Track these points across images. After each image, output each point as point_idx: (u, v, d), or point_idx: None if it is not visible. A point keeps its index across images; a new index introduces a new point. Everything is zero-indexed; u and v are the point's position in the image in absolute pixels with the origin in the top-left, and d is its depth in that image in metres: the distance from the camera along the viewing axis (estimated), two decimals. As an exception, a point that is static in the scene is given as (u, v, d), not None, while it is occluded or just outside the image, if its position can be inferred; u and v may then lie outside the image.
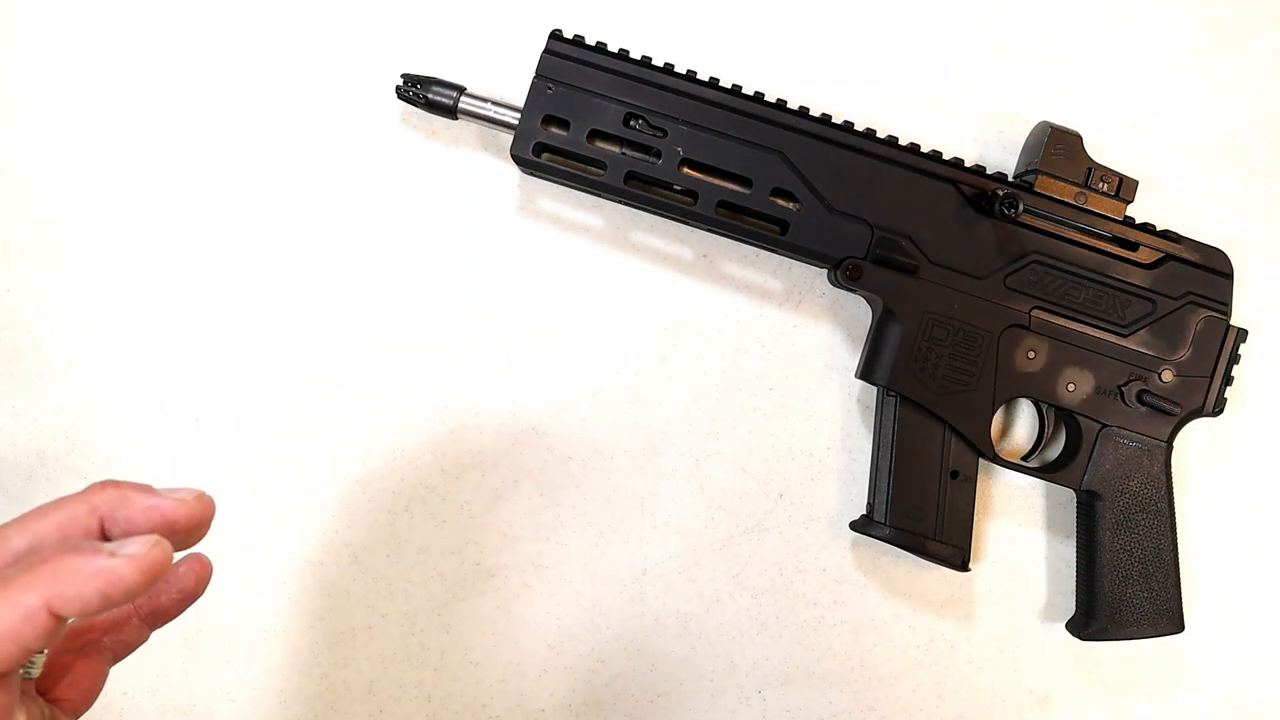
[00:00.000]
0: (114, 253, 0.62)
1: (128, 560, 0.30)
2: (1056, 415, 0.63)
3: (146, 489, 0.34)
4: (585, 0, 0.63)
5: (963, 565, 0.60)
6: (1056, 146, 0.60)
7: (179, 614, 0.40)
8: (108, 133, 0.62)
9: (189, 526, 0.34)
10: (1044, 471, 0.62)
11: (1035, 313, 0.60)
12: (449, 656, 0.63)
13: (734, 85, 0.59)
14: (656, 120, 0.58)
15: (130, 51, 0.63)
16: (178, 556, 0.36)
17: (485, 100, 0.58)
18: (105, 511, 0.33)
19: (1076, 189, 0.60)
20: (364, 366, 0.63)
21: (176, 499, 0.34)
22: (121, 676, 0.62)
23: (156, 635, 0.62)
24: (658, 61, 0.59)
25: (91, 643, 0.39)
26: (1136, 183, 0.60)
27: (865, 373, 0.61)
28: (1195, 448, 0.66)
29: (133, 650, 0.40)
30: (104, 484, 0.34)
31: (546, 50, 0.58)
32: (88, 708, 0.38)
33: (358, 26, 0.63)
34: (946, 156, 0.60)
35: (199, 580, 0.39)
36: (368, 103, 0.63)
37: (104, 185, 0.62)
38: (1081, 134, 0.60)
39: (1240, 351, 0.61)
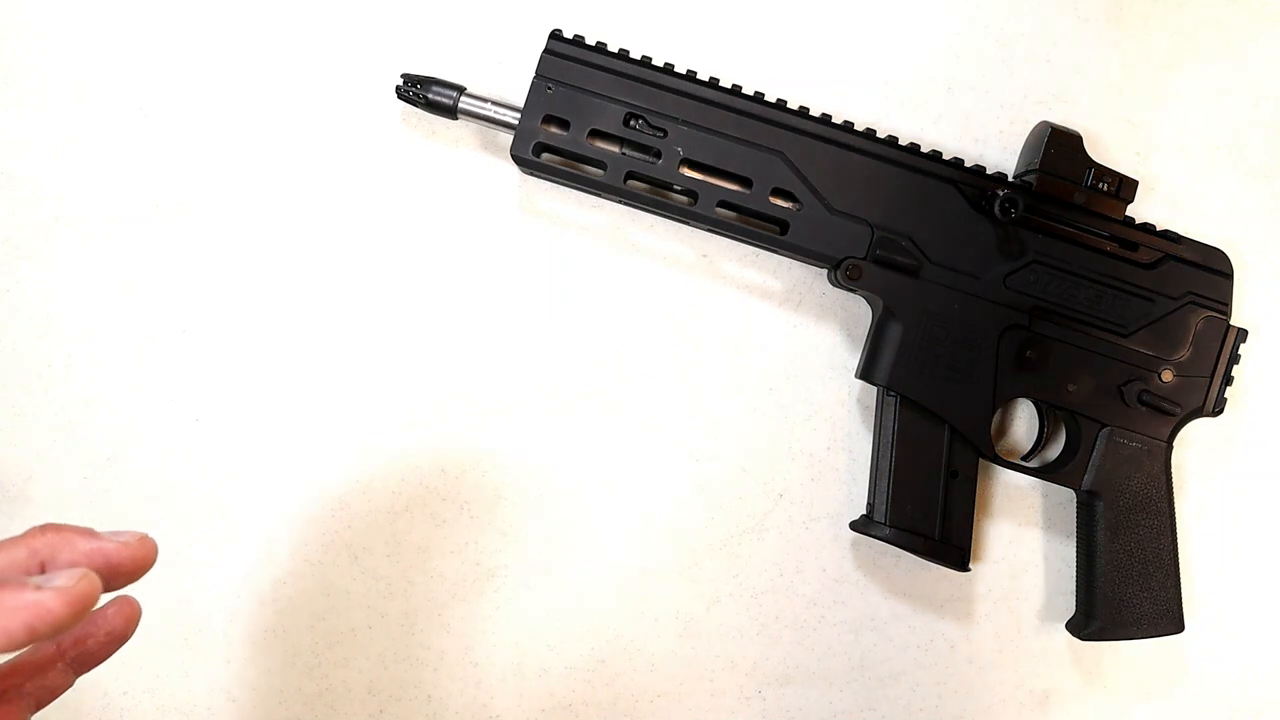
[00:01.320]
0: (114, 253, 0.62)
1: (55, 593, 0.29)
2: (1056, 415, 0.63)
3: (88, 532, 0.34)
4: (585, 0, 0.63)
5: (963, 565, 0.60)
6: (1056, 146, 0.60)
7: (106, 657, 0.39)
8: (108, 133, 0.62)
9: (131, 569, 0.34)
10: (1044, 471, 0.62)
11: (1035, 313, 0.60)
12: (449, 656, 0.63)
13: (734, 85, 0.59)
14: (656, 120, 0.58)
15: (130, 52, 0.63)
16: (111, 596, 0.35)
17: (485, 100, 0.58)
18: (46, 555, 0.33)
19: (1076, 189, 0.60)
20: (363, 366, 0.63)
21: (120, 541, 0.34)
22: (121, 676, 0.62)
23: (156, 635, 0.62)
24: (658, 61, 0.59)
25: (14, 688, 0.37)
26: (1136, 183, 0.60)
27: (865, 373, 0.61)
28: (1195, 448, 0.66)
29: (57, 696, 0.39)
30: (45, 527, 0.33)
31: (546, 50, 0.58)
32: None
33: (358, 26, 0.63)
34: (946, 156, 0.60)
35: (128, 622, 0.39)
36: (368, 103, 0.63)
37: (104, 185, 0.62)
38: (1081, 134, 0.60)
39: (1240, 351, 0.61)
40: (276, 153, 0.63)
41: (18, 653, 0.36)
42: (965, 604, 0.65)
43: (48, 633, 0.29)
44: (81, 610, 0.30)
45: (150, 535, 0.35)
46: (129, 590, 0.36)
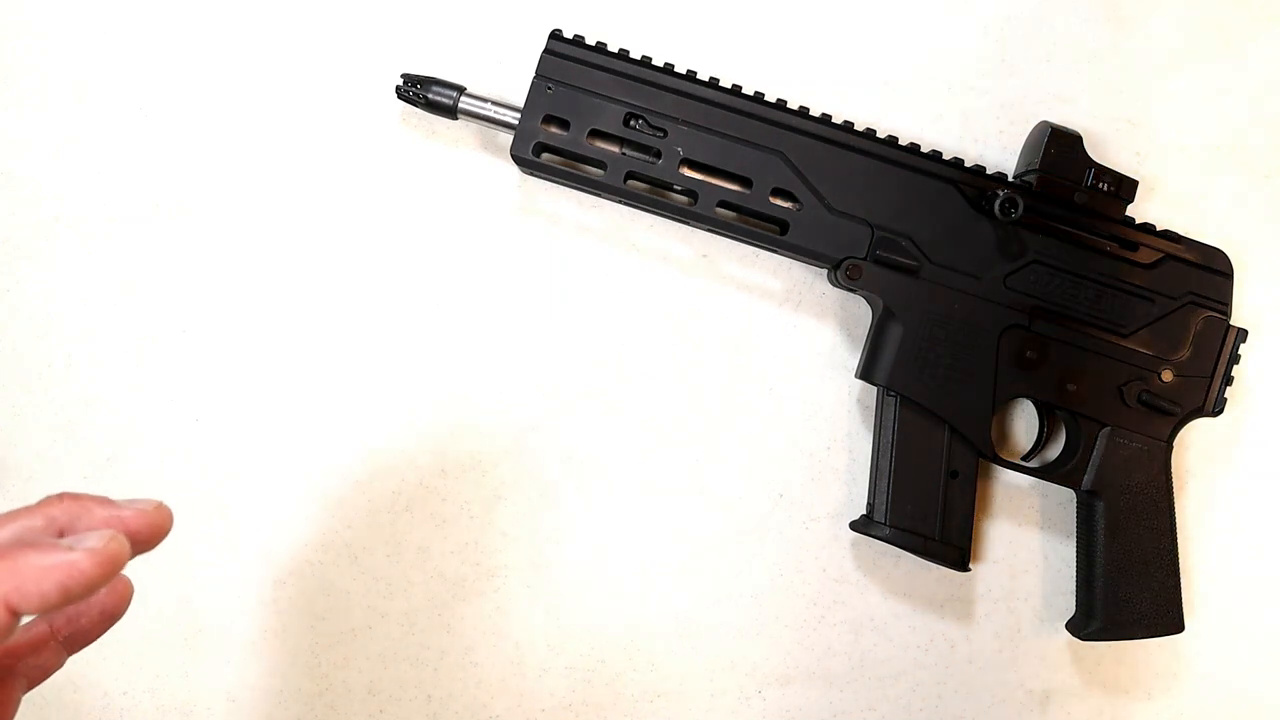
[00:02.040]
0: (114, 253, 0.62)
1: (87, 554, 0.30)
2: (1056, 415, 0.63)
3: (105, 500, 0.34)
4: (585, 0, 0.63)
5: (963, 565, 0.60)
6: (1056, 146, 0.60)
7: (99, 636, 0.39)
8: (108, 133, 0.62)
9: (149, 536, 0.34)
10: (1044, 471, 0.62)
11: (1035, 313, 0.60)
12: (449, 656, 0.63)
13: (734, 85, 0.59)
14: (656, 120, 0.58)
15: (130, 52, 0.63)
16: None
17: (485, 100, 0.58)
18: (64, 523, 0.33)
19: (1076, 189, 0.60)
20: (364, 366, 0.63)
21: (137, 509, 0.34)
22: (121, 676, 0.62)
23: (156, 635, 0.62)
24: (658, 61, 0.59)
25: (7, 668, 0.37)
26: (1136, 183, 0.60)
27: (865, 373, 0.61)
28: (1195, 448, 0.66)
29: (49, 675, 0.39)
30: (61, 495, 0.34)
31: (546, 50, 0.58)
32: None
33: (358, 26, 0.63)
34: (946, 156, 0.60)
35: (120, 599, 0.39)
36: (368, 103, 0.63)
37: (104, 185, 0.62)
38: (1081, 134, 0.60)
39: (1240, 351, 0.61)
40: (277, 153, 0.63)
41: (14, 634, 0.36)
42: (965, 604, 0.65)
43: (80, 593, 0.30)
44: (112, 571, 0.30)
45: (166, 503, 0.35)
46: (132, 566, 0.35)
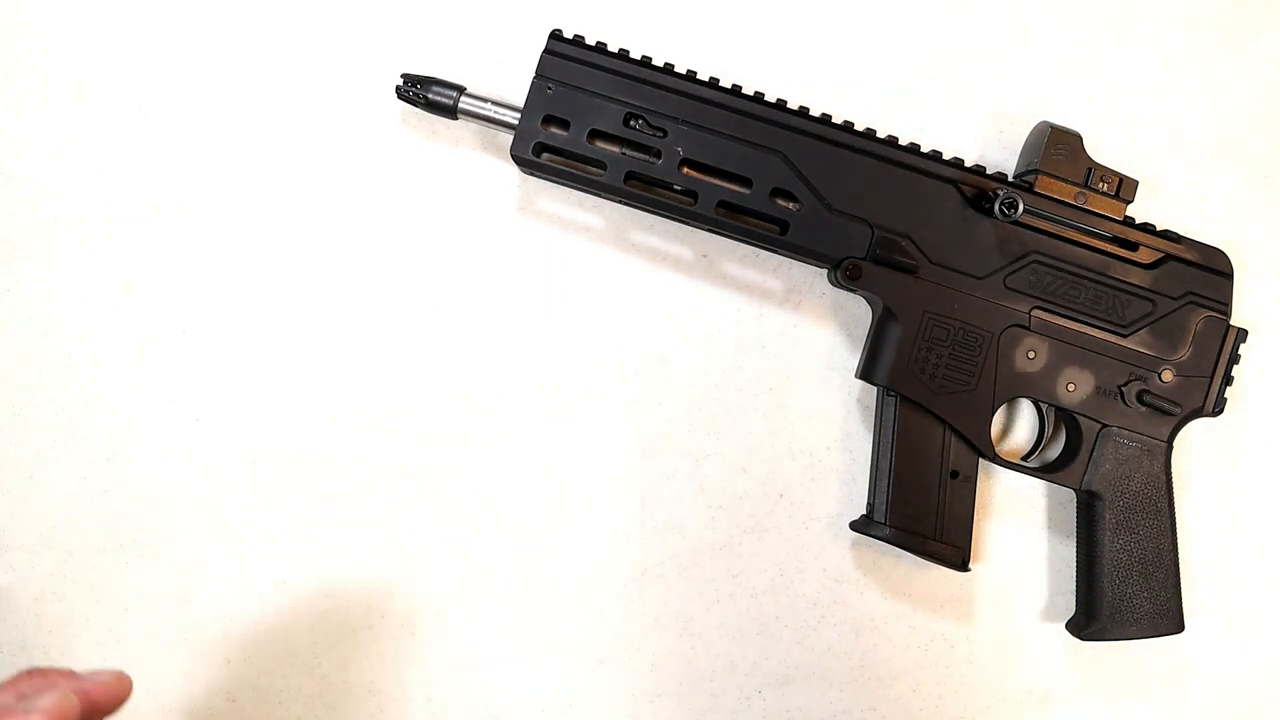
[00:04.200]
0: (114, 253, 0.62)
1: (41, 714, 0.35)
2: (1056, 415, 0.63)
3: (68, 673, 0.39)
4: (585, 0, 0.63)
5: (963, 565, 0.60)
6: (1056, 146, 0.60)
7: None
8: (108, 133, 0.62)
9: (109, 703, 0.39)
10: (1044, 471, 0.62)
11: (1035, 313, 0.60)
12: (449, 657, 0.63)
13: (734, 85, 0.59)
14: (656, 120, 0.58)
15: (130, 52, 0.63)
16: None
17: (485, 100, 0.58)
18: (32, 696, 0.37)
19: (1076, 189, 0.60)
20: (363, 364, 0.63)
21: (99, 680, 0.39)
22: (121, 676, 0.62)
23: (156, 635, 0.62)
24: (658, 61, 0.59)
25: None
26: (1136, 183, 0.60)
27: (865, 373, 0.61)
28: (1195, 448, 0.66)
29: None
30: (30, 673, 0.38)
31: (546, 50, 0.58)
32: None
33: (358, 26, 0.63)
34: (946, 156, 0.60)
35: None
36: (368, 103, 0.63)
37: (104, 185, 0.62)
38: (1081, 134, 0.60)
39: (1240, 351, 0.61)
40: (277, 153, 0.63)
41: None
42: (965, 604, 0.65)
43: None
44: None
45: (126, 673, 0.40)
46: None
